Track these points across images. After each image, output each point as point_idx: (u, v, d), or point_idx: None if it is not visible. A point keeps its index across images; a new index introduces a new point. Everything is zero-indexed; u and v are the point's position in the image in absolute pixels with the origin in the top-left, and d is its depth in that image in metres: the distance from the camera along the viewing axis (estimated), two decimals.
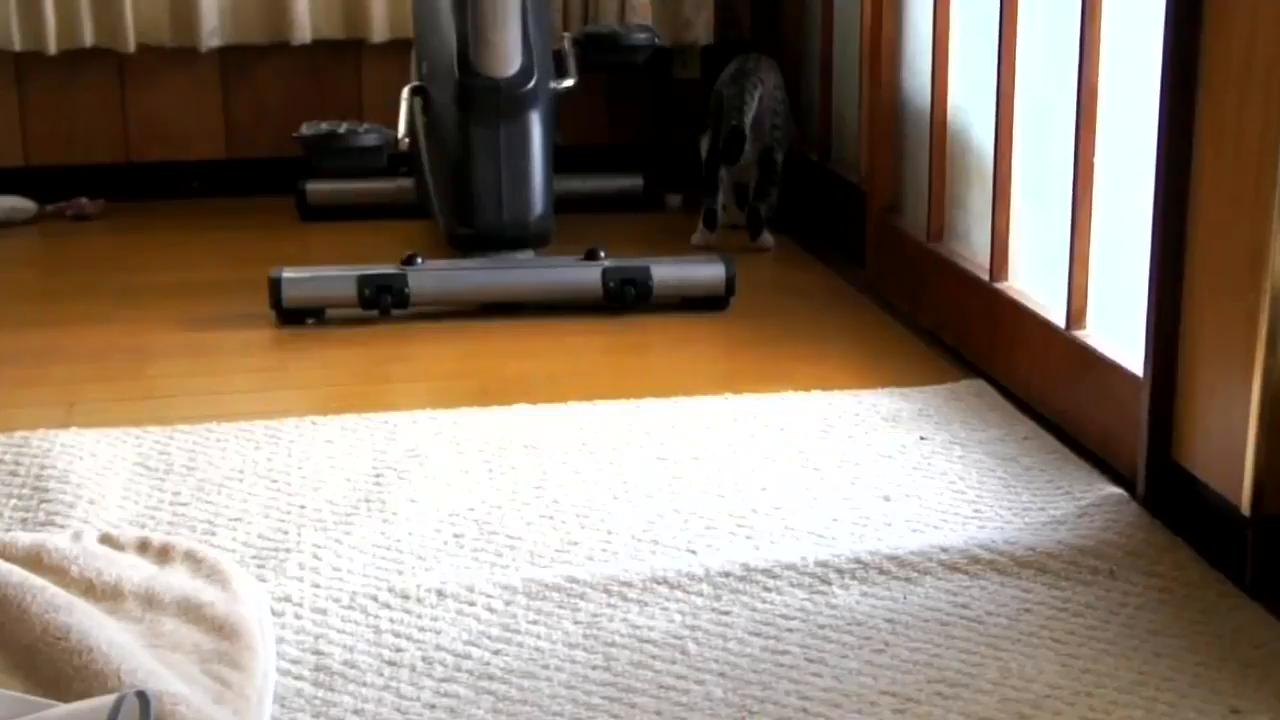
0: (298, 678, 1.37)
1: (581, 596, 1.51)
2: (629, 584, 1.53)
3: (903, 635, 1.44)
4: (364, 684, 1.36)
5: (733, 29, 3.38)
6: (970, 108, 2.30)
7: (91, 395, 2.15)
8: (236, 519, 1.70)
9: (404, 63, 3.09)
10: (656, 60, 3.15)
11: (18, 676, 1.27)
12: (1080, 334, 1.92)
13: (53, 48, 3.15)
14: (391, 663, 1.40)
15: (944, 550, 1.59)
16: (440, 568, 1.58)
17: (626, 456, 1.87)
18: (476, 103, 2.56)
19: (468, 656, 1.40)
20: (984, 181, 2.22)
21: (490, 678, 1.37)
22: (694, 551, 1.62)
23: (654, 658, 1.40)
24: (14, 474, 1.80)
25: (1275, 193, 1.44)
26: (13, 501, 1.73)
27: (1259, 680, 1.36)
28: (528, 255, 2.61)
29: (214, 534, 1.66)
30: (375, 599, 1.50)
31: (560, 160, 2.68)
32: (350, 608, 1.49)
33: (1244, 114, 1.49)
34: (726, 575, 1.54)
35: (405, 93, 2.68)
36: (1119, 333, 1.84)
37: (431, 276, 2.50)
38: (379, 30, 3.25)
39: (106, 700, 1.16)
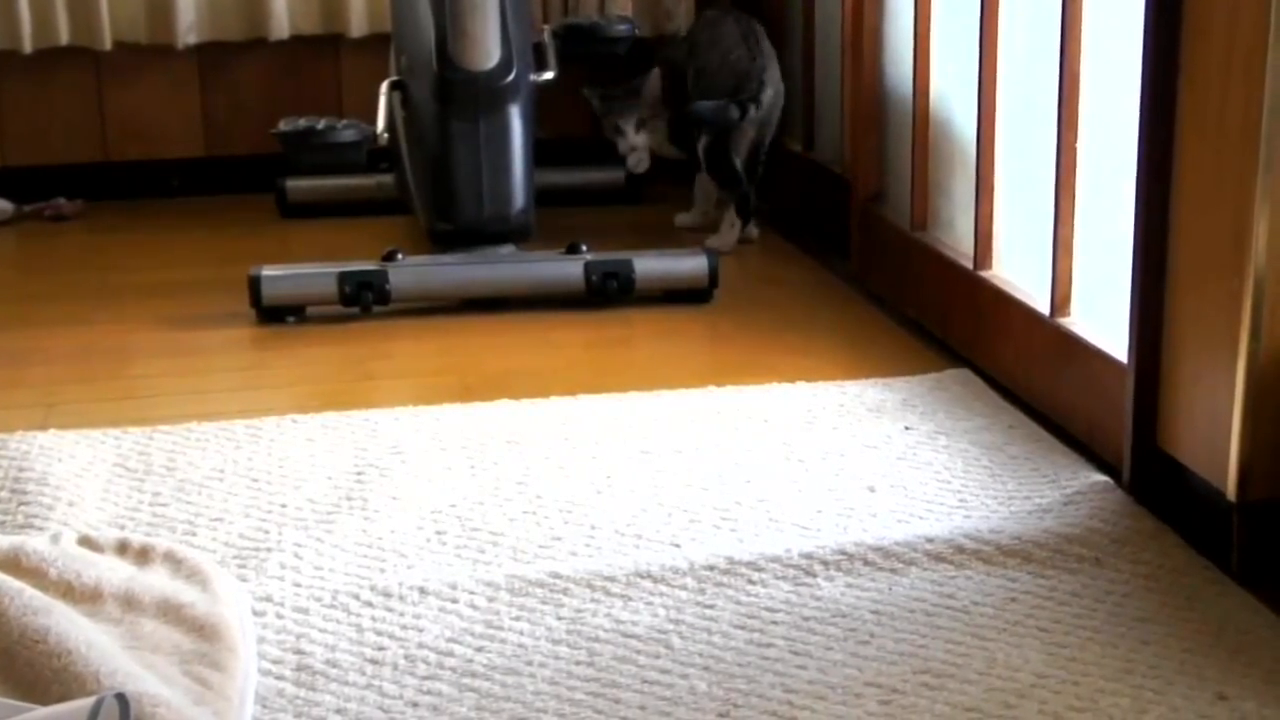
0: (279, 677, 1.36)
1: (565, 592, 1.50)
2: (612, 579, 1.52)
3: (888, 626, 1.43)
4: (346, 683, 1.35)
5: None
6: (953, 96, 2.29)
7: (71, 396, 2.13)
8: (217, 519, 1.69)
9: (382, 57, 3.07)
10: (637, 51, 3.14)
11: None
12: (1065, 322, 1.91)
13: (28, 46, 3.13)
14: (374, 661, 1.39)
15: (929, 540, 1.58)
16: (422, 565, 1.57)
17: (609, 451, 1.86)
18: (455, 97, 2.55)
19: (450, 654, 1.39)
20: (967, 170, 2.22)
21: (473, 675, 1.36)
22: (678, 545, 1.61)
23: (638, 652, 1.39)
24: None
25: (1257, 179, 1.44)
26: None
27: (1246, 666, 1.35)
28: (509, 250, 2.59)
29: (194, 534, 1.65)
30: (357, 597, 1.49)
31: (541, 154, 2.67)
32: (332, 606, 1.48)
33: (1225, 100, 1.49)
34: (711, 568, 1.53)
35: (384, 87, 2.67)
36: (1103, 320, 1.84)
37: (412, 273, 2.49)
38: (357, 25, 3.23)
39: (85, 703, 1.15)
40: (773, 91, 2.79)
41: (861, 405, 2.00)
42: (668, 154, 2.92)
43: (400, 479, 1.78)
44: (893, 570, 1.54)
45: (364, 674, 1.36)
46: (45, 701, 1.22)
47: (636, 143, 2.86)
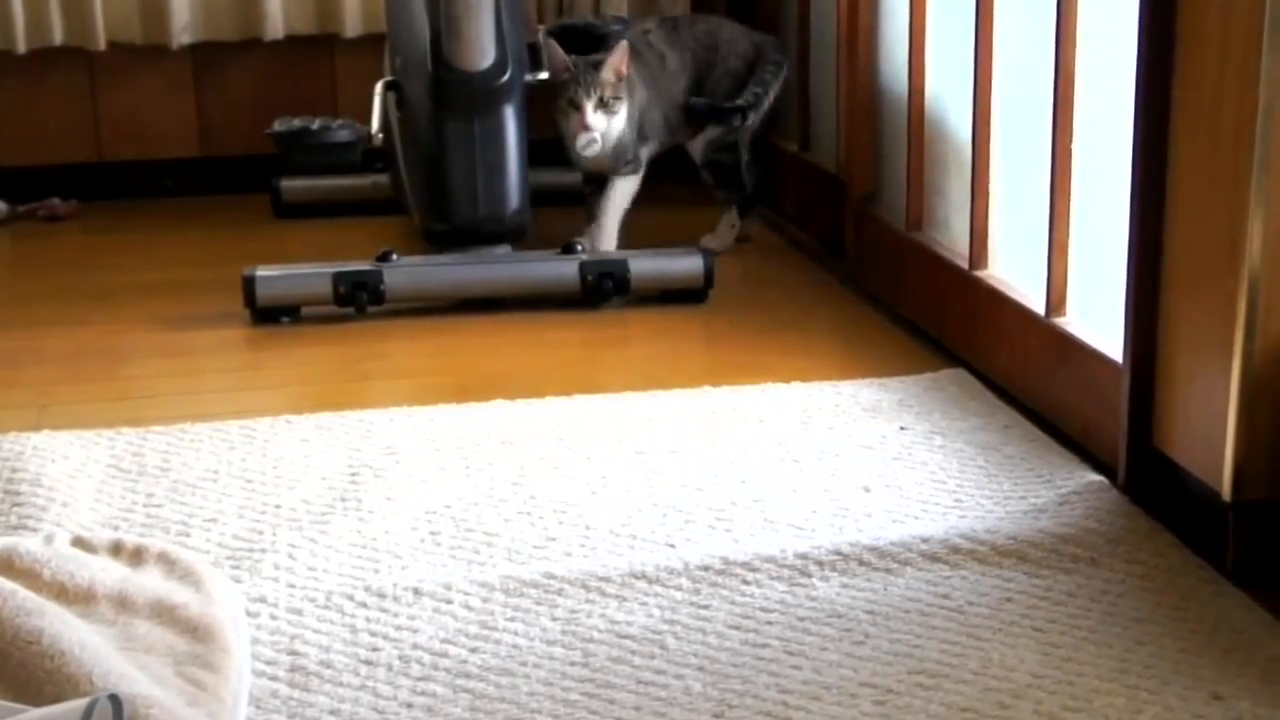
0: (273, 679, 1.36)
1: (559, 593, 1.49)
2: (607, 579, 1.51)
3: (883, 626, 1.43)
4: (340, 684, 1.35)
5: None
6: (948, 96, 2.29)
7: (64, 397, 2.13)
8: (211, 520, 1.69)
9: (377, 58, 3.07)
10: None
11: None
12: (1060, 322, 1.91)
13: (22, 46, 3.13)
14: (368, 662, 1.38)
15: (924, 540, 1.58)
16: (417, 566, 1.57)
17: (604, 451, 1.86)
18: (450, 97, 2.54)
19: (445, 655, 1.39)
20: (962, 170, 2.21)
21: (468, 675, 1.36)
22: (673, 545, 1.61)
23: (633, 653, 1.39)
24: None
25: (1252, 178, 1.44)
26: None
27: (1241, 666, 1.35)
28: (504, 250, 2.59)
29: (188, 535, 1.65)
30: (351, 598, 1.49)
31: (536, 154, 2.67)
32: (326, 607, 1.48)
33: (1220, 101, 1.48)
34: (705, 569, 1.53)
35: (378, 88, 2.67)
36: (1099, 320, 1.84)
37: (407, 273, 2.48)
38: (352, 25, 3.23)
39: (79, 704, 1.15)
40: (783, 78, 2.82)
41: (857, 405, 2.00)
42: (602, 165, 2.68)
43: (395, 480, 1.78)
44: (888, 570, 1.53)
45: (358, 675, 1.36)
46: (39, 703, 1.21)
47: (593, 122, 2.59)
